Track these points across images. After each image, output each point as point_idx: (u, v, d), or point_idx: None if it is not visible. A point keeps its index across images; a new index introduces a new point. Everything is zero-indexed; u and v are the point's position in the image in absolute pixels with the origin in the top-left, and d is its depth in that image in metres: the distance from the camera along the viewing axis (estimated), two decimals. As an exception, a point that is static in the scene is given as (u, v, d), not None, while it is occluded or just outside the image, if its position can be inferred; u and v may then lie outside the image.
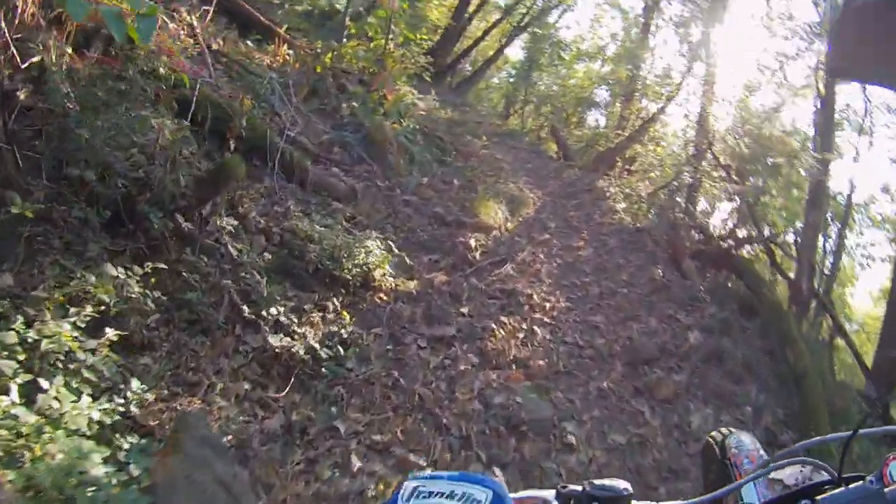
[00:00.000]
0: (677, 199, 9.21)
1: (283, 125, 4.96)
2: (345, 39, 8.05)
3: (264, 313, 3.61)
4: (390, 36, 7.75)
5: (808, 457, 0.76)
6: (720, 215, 9.97)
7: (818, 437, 0.79)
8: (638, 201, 9.17)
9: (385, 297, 4.24)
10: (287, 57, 6.08)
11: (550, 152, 13.41)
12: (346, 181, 5.27)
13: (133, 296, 3.08)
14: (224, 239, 3.53)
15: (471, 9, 14.07)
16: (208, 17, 5.71)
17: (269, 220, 4.22)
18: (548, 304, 5.19)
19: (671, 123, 12.55)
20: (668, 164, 10.00)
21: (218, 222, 3.51)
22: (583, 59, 16.98)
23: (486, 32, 15.30)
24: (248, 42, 6.07)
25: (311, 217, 4.43)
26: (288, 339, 3.52)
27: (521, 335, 4.59)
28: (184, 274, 3.53)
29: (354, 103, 6.49)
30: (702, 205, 9.89)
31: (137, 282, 3.34)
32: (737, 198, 8.93)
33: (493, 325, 4.50)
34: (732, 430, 1.05)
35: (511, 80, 18.34)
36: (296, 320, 3.72)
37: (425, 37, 7.92)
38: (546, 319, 4.98)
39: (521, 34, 16.01)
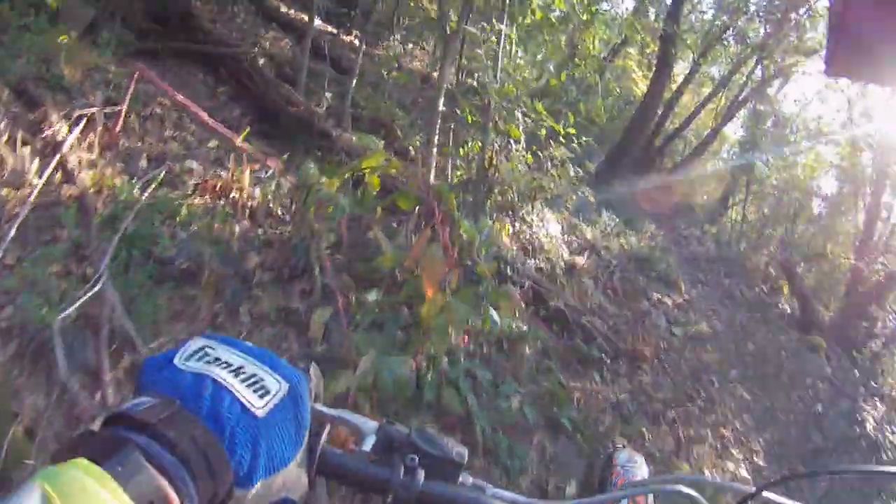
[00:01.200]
0: None
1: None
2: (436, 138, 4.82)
3: None
4: (496, 137, 4.34)
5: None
6: None
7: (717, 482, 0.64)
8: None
9: None
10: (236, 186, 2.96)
11: (780, 298, 9.04)
12: None
13: None
14: None
15: (678, 79, 10.11)
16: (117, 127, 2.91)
17: None
18: None
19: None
20: None
21: None
22: (813, 139, 12.64)
23: (697, 109, 11.17)
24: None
25: None
26: None
27: None
28: None
29: (371, 295, 3.10)
30: None
31: None
32: None
33: None
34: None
35: (726, 165, 13.85)
36: None
37: (572, 129, 4.39)
38: None
39: (740, 110, 11.42)
